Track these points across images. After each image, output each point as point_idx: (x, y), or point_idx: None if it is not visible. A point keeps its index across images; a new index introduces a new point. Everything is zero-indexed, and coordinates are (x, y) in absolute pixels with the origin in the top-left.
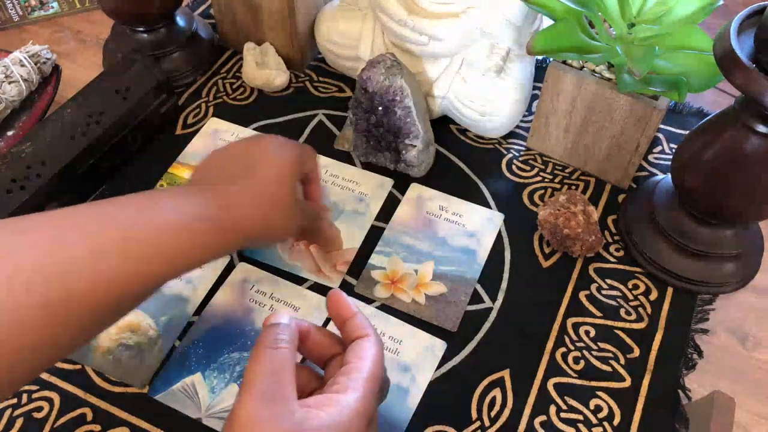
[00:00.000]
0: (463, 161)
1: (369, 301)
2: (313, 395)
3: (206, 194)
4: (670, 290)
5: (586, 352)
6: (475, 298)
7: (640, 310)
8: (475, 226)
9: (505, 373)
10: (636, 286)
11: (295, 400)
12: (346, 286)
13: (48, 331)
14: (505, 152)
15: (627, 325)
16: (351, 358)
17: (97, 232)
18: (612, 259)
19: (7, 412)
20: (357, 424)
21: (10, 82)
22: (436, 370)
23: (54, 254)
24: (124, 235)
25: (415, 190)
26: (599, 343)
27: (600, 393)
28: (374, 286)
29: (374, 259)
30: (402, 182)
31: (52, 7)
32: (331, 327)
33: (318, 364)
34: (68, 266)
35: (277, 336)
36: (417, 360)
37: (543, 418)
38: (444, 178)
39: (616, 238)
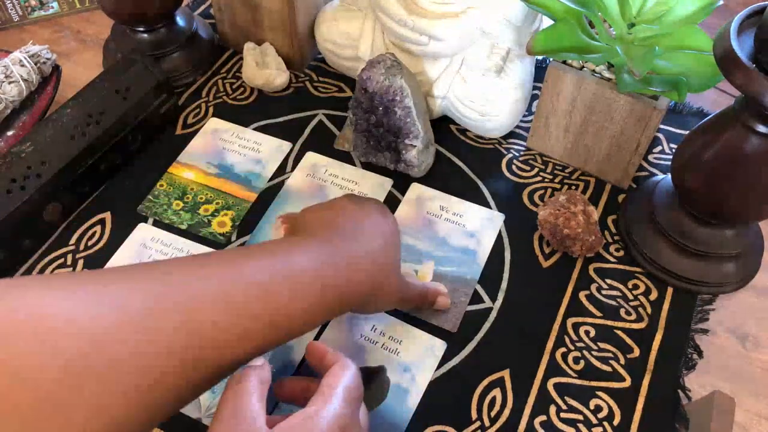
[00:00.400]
0: (463, 161)
1: None
2: None
3: (331, 245)
4: (670, 290)
5: (586, 352)
6: (475, 298)
7: (640, 310)
8: (475, 226)
9: (505, 373)
10: (636, 286)
11: (262, 420)
12: None
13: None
14: (505, 152)
15: (627, 325)
16: (324, 380)
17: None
18: (612, 259)
19: None
20: (325, 430)
21: (10, 82)
22: (436, 370)
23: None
24: (266, 287)
25: (415, 190)
26: (599, 343)
27: (600, 393)
28: None
29: None
30: (402, 182)
31: (52, 7)
32: (334, 333)
33: (298, 403)
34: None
35: (242, 372)
36: (417, 360)
37: (543, 418)
38: (444, 178)
39: (616, 238)
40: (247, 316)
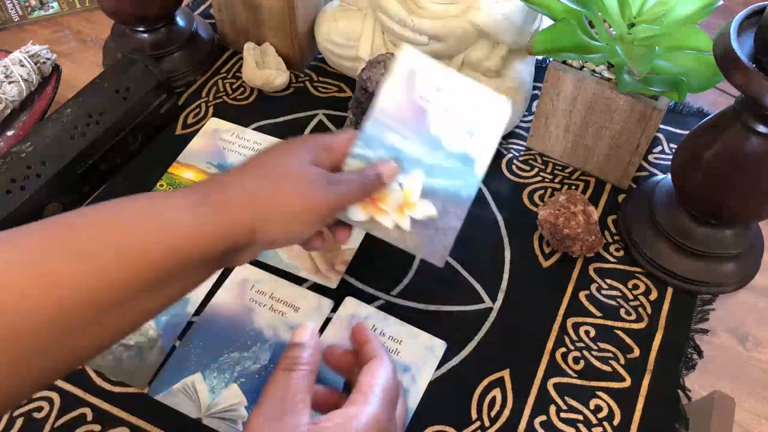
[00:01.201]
0: None
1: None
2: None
3: (204, 188)
4: (670, 290)
5: (586, 352)
6: (475, 298)
7: (640, 310)
8: (475, 119)
9: (505, 373)
10: (636, 286)
11: (306, 417)
12: (344, 283)
13: (52, 337)
14: (505, 152)
15: (627, 325)
16: (362, 378)
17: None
18: (612, 259)
19: (7, 412)
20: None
21: (10, 82)
22: (436, 370)
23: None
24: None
25: (406, 56)
26: (599, 343)
27: (600, 393)
28: (351, 208)
29: (351, 166)
30: None
31: (52, 7)
32: (335, 332)
33: (342, 373)
34: (61, 276)
35: (295, 358)
36: (417, 360)
37: (543, 418)
38: None
39: (616, 238)
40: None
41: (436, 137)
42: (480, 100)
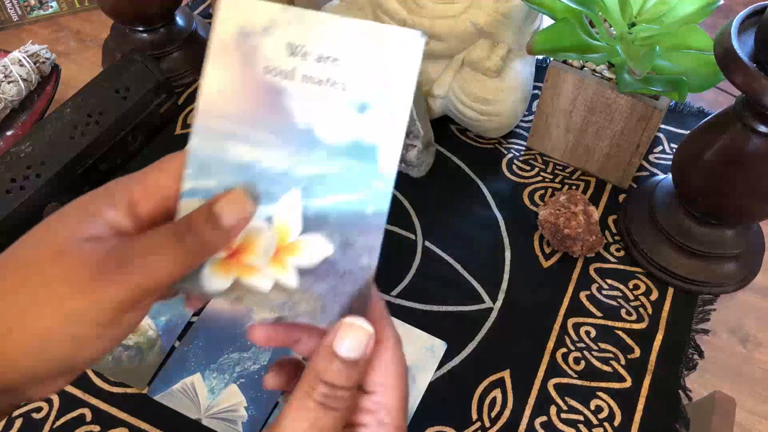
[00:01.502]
0: (463, 161)
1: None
2: None
3: None
4: (670, 290)
5: (586, 353)
6: (475, 298)
7: (641, 310)
8: (367, 80)
9: (506, 374)
10: (636, 286)
11: None
12: None
13: None
14: (505, 152)
15: (627, 326)
16: (376, 387)
17: None
18: (612, 259)
19: None
20: None
21: (9, 82)
22: (436, 371)
23: None
24: None
25: (231, 10)
26: (600, 344)
27: (600, 393)
28: (200, 272)
29: (185, 211)
30: (402, 183)
31: (52, 7)
32: None
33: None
34: None
35: (339, 388)
36: (417, 360)
37: (543, 418)
38: (444, 178)
39: (616, 238)
40: None
41: (305, 129)
42: (369, 48)
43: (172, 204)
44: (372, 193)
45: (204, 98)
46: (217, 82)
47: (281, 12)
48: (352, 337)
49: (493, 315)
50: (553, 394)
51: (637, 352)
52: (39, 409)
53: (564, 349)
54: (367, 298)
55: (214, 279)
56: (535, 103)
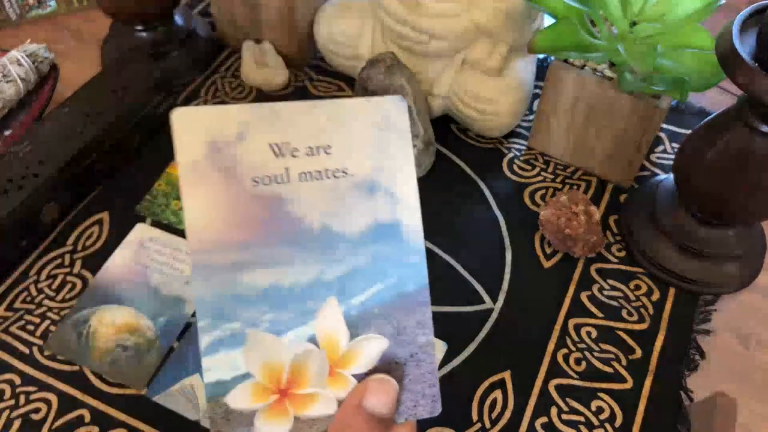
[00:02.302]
0: (463, 161)
1: None
2: None
3: None
4: (672, 291)
5: (587, 353)
6: (476, 298)
7: (642, 310)
8: (364, 159)
9: (506, 375)
10: (638, 287)
11: None
12: None
13: None
14: (506, 152)
15: (629, 326)
16: None
17: None
18: (614, 260)
19: (5, 414)
20: None
21: (7, 81)
22: None
23: None
24: None
25: (190, 125)
26: (601, 344)
27: (601, 394)
28: (252, 427)
29: (209, 363)
30: None
31: (50, 6)
32: None
33: None
34: None
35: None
36: None
37: (544, 419)
38: (444, 177)
39: (617, 238)
40: None
41: (321, 229)
42: (356, 126)
43: None
44: (408, 270)
45: (192, 234)
46: (201, 212)
47: (251, 112)
48: (382, 392)
49: (494, 315)
50: (554, 395)
51: (639, 353)
52: (37, 410)
53: (565, 350)
54: (435, 374)
55: (272, 427)
56: (535, 103)
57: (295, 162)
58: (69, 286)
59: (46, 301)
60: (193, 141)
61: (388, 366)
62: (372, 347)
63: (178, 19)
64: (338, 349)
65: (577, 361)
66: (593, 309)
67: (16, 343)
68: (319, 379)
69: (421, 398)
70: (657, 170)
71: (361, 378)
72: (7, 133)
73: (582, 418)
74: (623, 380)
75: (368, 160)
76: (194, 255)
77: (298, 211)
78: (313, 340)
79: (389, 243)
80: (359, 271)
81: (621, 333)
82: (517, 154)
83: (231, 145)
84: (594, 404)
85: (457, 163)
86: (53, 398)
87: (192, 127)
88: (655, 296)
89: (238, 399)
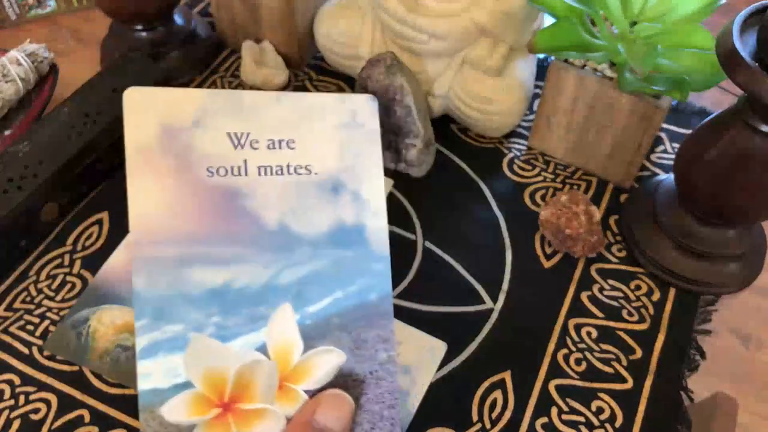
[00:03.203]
0: (463, 161)
1: None
2: None
3: None
4: (672, 291)
5: (587, 354)
6: (476, 298)
7: (642, 311)
8: (330, 157)
9: (506, 375)
10: (638, 287)
11: None
12: None
13: None
14: (506, 152)
15: (629, 326)
16: None
17: None
18: (614, 260)
19: (4, 414)
20: None
21: (6, 81)
22: (436, 372)
23: None
24: None
25: (141, 104)
26: (601, 345)
27: (602, 395)
28: None
29: (145, 368)
30: (402, 182)
31: (50, 6)
32: None
33: None
34: None
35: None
36: (417, 362)
37: (544, 419)
38: (444, 177)
39: (618, 238)
40: None
41: (279, 228)
42: (324, 122)
43: None
44: (371, 279)
45: (136, 225)
46: (146, 199)
47: (209, 98)
48: (336, 408)
49: (494, 316)
50: (554, 395)
51: (639, 353)
52: (37, 411)
53: (565, 350)
54: (394, 390)
55: None
56: (536, 103)
57: (254, 154)
58: (69, 286)
59: (46, 301)
60: (144, 123)
61: (344, 383)
62: (327, 361)
63: (178, 19)
64: (290, 361)
65: (578, 362)
66: (593, 309)
67: (16, 343)
68: (268, 394)
69: (379, 420)
70: (657, 170)
71: (313, 395)
72: (6, 132)
73: (582, 419)
74: (623, 380)
75: (334, 159)
76: (136, 246)
77: (255, 206)
78: (262, 349)
79: (352, 247)
80: (318, 275)
81: (621, 333)
82: (517, 154)
83: (186, 130)
84: (594, 404)
85: (457, 163)
86: (53, 398)
87: (145, 108)
88: (656, 296)
89: (174, 410)
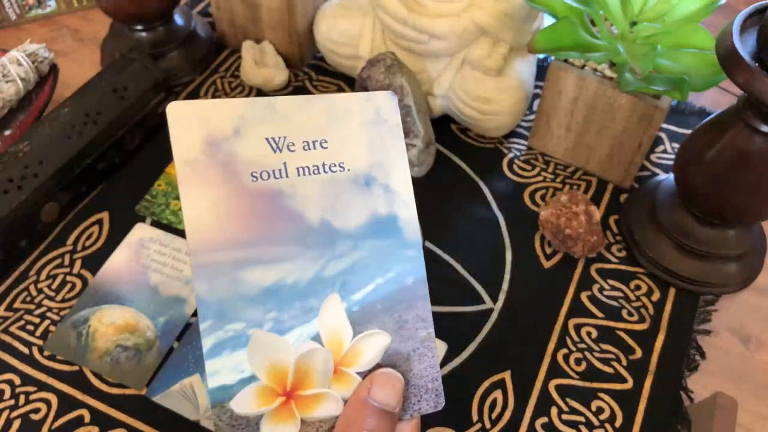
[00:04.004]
0: (463, 161)
1: None
2: None
3: None
4: (672, 291)
5: (587, 354)
6: (476, 298)
7: (642, 310)
8: (361, 153)
9: (506, 375)
10: (638, 287)
11: None
12: None
13: None
14: (506, 152)
15: (629, 326)
16: None
17: None
18: (614, 260)
19: (5, 414)
20: None
21: (7, 81)
22: None
23: None
24: None
25: (185, 121)
26: (601, 344)
27: (602, 394)
28: (246, 430)
29: (213, 366)
30: None
31: (50, 6)
32: None
33: None
34: None
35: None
36: None
37: (544, 419)
38: (444, 177)
39: (618, 238)
40: None
41: (321, 225)
42: (351, 120)
43: None
44: (406, 264)
45: (192, 234)
46: (200, 210)
47: (247, 107)
48: (389, 385)
49: (494, 316)
50: (554, 395)
51: (639, 353)
52: (37, 411)
53: (565, 350)
54: (437, 367)
55: (278, 425)
56: (536, 103)
57: (292, 156)
58: (69, 286)
59: (46, 301)
60: (189, 137)
61: (391, 362)
62: (375, 343)
63: (178, 19)
64: (342, 347)
65: (578, 361)
66: (593, 309)
67: (16, 343)
68: (325, 379)
69: (425, 393)
70: (657, 170)
71: (364, 376)
72: (6, 132)
73: (582, 419)
74: (623, 380)
75: (363, 155)
76: (194, 255)
77: (298, 206)
78: (317, 338)
79: (387, 237)
80: (359, 266)
81: (621, 333)
82: (517, 154)
83: (228, 140)
84: (594, 404)
85: (457, 163)
86: (53, 398)
87: (188, 122)
88: (656, 296)
89: (242, 403)
